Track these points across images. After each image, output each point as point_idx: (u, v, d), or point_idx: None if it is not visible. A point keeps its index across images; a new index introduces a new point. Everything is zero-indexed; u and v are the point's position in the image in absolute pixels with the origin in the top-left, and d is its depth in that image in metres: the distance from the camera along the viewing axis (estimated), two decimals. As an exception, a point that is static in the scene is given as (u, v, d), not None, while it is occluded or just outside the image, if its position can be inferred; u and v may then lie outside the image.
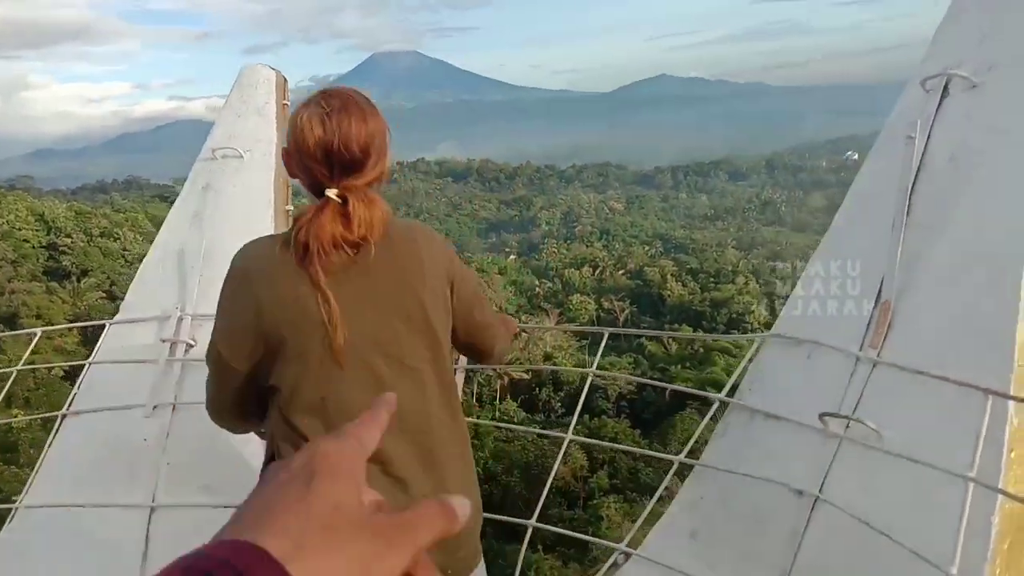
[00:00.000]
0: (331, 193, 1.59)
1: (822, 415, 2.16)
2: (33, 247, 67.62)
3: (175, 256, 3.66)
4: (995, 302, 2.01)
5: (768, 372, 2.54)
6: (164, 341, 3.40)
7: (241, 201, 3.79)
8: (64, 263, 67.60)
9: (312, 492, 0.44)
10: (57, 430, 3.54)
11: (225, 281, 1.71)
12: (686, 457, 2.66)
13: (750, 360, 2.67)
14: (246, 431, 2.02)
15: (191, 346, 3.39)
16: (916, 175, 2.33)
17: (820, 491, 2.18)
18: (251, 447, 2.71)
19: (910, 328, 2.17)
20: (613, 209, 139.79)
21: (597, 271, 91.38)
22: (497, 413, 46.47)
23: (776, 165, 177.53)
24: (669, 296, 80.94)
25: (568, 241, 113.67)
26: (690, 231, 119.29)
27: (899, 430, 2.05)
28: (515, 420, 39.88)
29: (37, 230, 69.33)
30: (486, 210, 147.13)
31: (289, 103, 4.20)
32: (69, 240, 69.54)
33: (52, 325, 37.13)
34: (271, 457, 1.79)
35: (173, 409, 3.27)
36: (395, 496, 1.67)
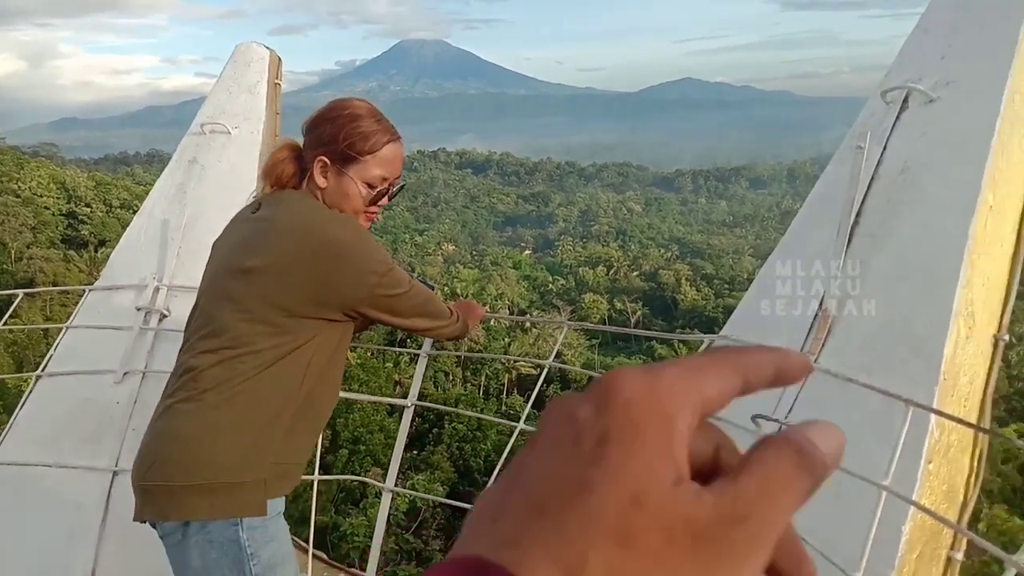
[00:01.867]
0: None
1: (754, 417, 2.18)
2: (53, 214, 68.33)
3: (158, 226, 3.71)
4: (928, 315, 2.03)
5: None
6: (139, 310, 3.45)
7: (225, 176, 3.83)
8: (83, 232, 68.28)
9: (601, 472, 0.27)
10: (31, 391, 3.61)
11: None
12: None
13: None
14: None
15: (165, 316, 3.44)
16: (870, 185, 2.35)
17: (749, 492, 2.19)
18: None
19: (847, 336, 2.19)
20: (631, 210, 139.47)
21: (611, 271, 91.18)
22: (503, 407, 46.56)
23: (798, 175, 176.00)
24: (682, 300, 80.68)
25: (584, 239, 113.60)
26: (708, 236, 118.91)
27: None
28: (520, 415, 39.70)
29: (58, 198, 70.06)
30: (504, 204, 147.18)
31: (282, 83, 4.22)
32: (88, 210, 70.22)
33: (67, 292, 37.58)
34: None
35: (143, 376, 3.32)
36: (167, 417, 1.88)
